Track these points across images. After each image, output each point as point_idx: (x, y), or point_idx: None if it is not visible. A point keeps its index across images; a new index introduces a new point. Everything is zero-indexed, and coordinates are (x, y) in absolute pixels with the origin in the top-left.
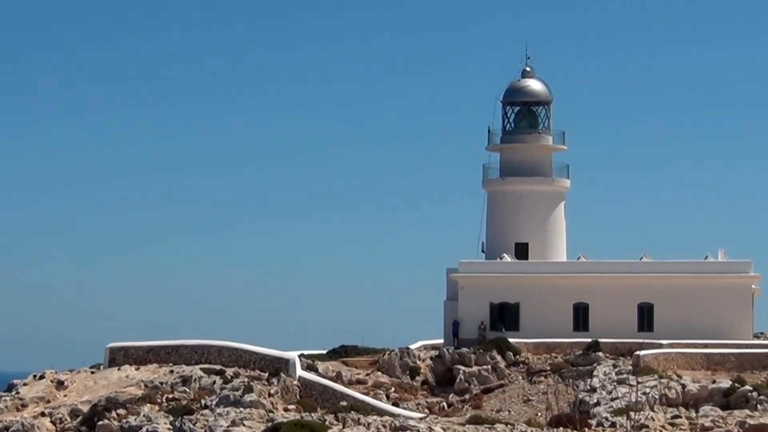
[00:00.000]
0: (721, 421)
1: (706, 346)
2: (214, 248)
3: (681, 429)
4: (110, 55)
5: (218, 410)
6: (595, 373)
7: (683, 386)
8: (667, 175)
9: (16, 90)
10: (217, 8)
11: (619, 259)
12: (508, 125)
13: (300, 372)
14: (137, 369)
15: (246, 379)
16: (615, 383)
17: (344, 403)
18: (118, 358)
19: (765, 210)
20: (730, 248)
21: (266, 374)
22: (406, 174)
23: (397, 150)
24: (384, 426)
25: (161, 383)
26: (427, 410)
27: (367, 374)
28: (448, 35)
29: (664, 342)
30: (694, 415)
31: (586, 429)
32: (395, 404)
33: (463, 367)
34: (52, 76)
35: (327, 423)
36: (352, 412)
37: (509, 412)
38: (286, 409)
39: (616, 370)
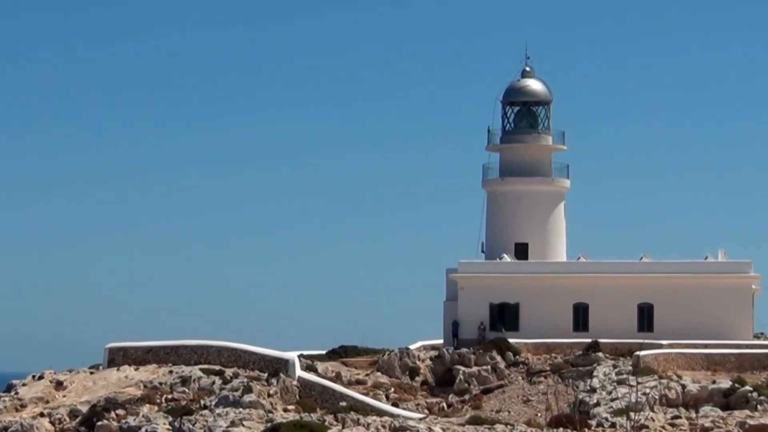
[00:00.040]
0: (721, 421)
1: (706, 346)
2: (213, 248)
3: (681, 429)
4: (110, 55)
5: (217, 411)
6: (595, 373)
7: (683, 387)
8: (667, 175)
9: (16, 90)
10: (216, 8)
11: (619, 259)
12: (508, 125)
13: (299, 372)
14: (136, 369)
15: (245, 380)
16: (615, 384)
17: (344, 404)
18: (117, 358)
19: (765, 210)
20: (730, 248)
21: (265, 374)
22: (406, 174)
23: (397, 150)
24: (383, 426)
25: (160, 383)
26: (426, 411)
27: (367, 374)
28: (448, 35)
29: (664, 342)
30: (694, 415)
31: (586, 429)
32: (395, 405)
33: (462, 368)
34: (52, 76)
35: (326, 423)
36: (352, 412)
37: (509, 412)
38: (285, 410)
39: (616, 370)
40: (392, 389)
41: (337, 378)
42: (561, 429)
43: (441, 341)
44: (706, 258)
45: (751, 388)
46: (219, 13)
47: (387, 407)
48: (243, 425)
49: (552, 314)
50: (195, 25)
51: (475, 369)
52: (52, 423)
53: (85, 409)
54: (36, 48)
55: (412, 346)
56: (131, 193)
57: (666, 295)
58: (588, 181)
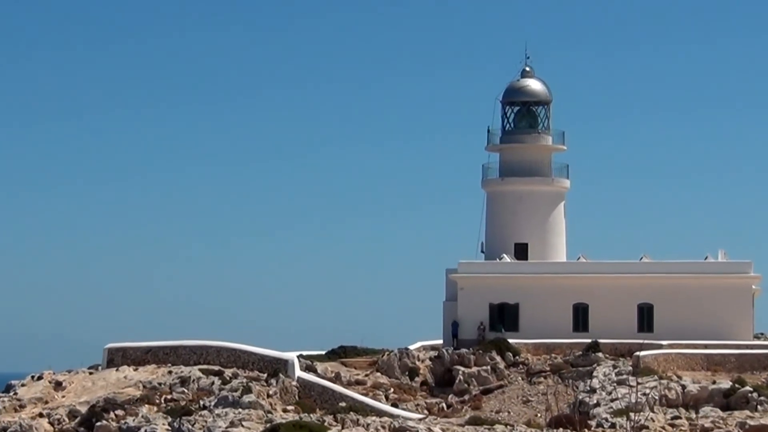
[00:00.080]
0: (721, 422)
1: (706, 346)
2: (213, 248)
3: (681, 430)
4: (110, 55)
5: (217, 411)
6: (594, 373)
7: (683, 387)
8: (667, 175)
9: (16, 90)
10: (216, 8)
11: (619, 260)
12: (508, 125)
13: (299, 373)
14: (135, 370)
15: (245, 380)
16: (615, 384)
17: (343, 404)
18: (116, 358)
19: (765, 210)
20: (730, 248)
21: (265, 375)
22: (406, 174)
23: (397, 150)
24: (383, 427)
25: (160, 384)
26: (426, 411)
27: (366, 375)
28: (448, 35)
29: (664, 342)
30: (694, 416)
31: (586, 430)
32: (394, 405)
33: (462, 368)
34: (51, 76)
35: (326, 424)
36: (351, 412)
37: (509, 413)
38: (284, 410)
39: (616, 370)
40: (392, 390)
41: (336, 378)
42: (561, 429)
43: (441, 341)
44: (706, 258)
45: (751, 389)
46: (219, 13)
47: (386, 408)
48: (242, 426)
49: (552, 314)
50: (195, 25)
51: (474, 369)
52: (51, 423)
53: (84, 409)
54: (36, 48)
55: (412, 347)
56: (131, 193)
57: (666, 296)
58: (588, 181)
